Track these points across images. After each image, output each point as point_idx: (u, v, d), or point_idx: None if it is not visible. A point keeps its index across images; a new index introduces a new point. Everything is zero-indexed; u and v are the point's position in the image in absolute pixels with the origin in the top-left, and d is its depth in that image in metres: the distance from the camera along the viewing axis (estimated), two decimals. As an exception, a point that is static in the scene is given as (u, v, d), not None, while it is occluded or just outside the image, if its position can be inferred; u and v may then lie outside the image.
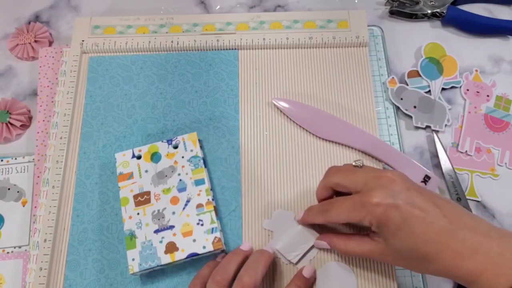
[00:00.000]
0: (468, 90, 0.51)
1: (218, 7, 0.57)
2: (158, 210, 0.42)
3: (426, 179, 0.44)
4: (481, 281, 0.30)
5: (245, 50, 0.51)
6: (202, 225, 0.41)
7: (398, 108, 0.50)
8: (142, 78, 0.50)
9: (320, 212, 0.38)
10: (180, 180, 0.43)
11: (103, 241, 0.43)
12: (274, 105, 0.48)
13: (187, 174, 0.43)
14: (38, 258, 0.43)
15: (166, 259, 0.40)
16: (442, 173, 0.46)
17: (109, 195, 0.45)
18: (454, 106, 0.50)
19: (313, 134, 0.47)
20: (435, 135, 0.48)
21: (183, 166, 0.43)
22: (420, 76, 0.51)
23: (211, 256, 0.42)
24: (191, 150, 0.44)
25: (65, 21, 0.57)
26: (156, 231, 0.41)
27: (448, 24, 0.55)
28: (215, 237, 0.40)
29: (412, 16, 0.55)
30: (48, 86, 0.52)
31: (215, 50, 0.51)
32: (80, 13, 0.58)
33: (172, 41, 0.51)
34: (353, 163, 0.38)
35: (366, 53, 0.51)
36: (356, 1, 0.57)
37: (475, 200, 0.46)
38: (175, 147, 0.44)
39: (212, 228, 0.41)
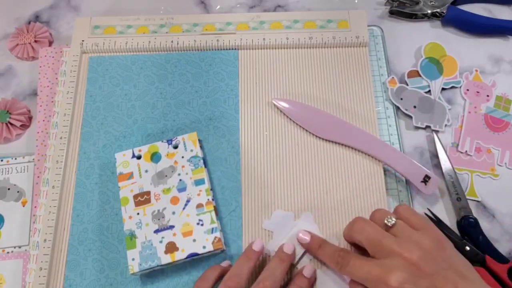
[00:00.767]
0: (468, 90, 0.51)
1: (218, 7, 0.57)
2: (158, 210, 0.42)
3: (426, 179, 0.44)
4: None
5: (245, 50, 0.51)
6: (202, 225, 0.41)
7: (398, 108, 0.49)
8: (142, 78, 0.50)
9: (334, 261, 0.37)
10: (180, 180, 0.43)
11: (103, 241, 0.43)
12: (274, 105, 0.48)
13: (187, 174, 0.43)
14: (38, 258, 0.43)
15: (166, 259, 0.40)
16: (442, 173, 0.46)
17: (109, 195, 0.45)
18: (454, 106, 0.50)
19: (313, 134, 0.47)
20: (435, 135, 0.48)
21: (183, 166, 0.43)
22: (420, 76, 0.51)
23: (211, 256, 0.42)
24: (191, 150, 0.44)
25: (65, 21, 0.57)
26: (156, 231, 0.41)
27: (448, 24, 0.55)
28: (215, 237, 0.40)
29: (412, 16, 0.55)
30: (48, 86, 0.52)
31: (215, 50, 0.51)
32: (80, 13, 0.58)
33: (172, 41, 0.51)
34: (385, 221, 0.36)
35: (366, 53, 0.51)
36: (356, 1, 0.57)
37: (475, 200, 0.46)
38: (175, 147, 0.44)
39: (212, 228, 0.41)
